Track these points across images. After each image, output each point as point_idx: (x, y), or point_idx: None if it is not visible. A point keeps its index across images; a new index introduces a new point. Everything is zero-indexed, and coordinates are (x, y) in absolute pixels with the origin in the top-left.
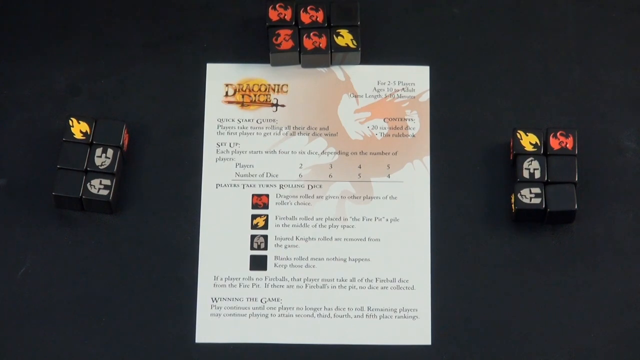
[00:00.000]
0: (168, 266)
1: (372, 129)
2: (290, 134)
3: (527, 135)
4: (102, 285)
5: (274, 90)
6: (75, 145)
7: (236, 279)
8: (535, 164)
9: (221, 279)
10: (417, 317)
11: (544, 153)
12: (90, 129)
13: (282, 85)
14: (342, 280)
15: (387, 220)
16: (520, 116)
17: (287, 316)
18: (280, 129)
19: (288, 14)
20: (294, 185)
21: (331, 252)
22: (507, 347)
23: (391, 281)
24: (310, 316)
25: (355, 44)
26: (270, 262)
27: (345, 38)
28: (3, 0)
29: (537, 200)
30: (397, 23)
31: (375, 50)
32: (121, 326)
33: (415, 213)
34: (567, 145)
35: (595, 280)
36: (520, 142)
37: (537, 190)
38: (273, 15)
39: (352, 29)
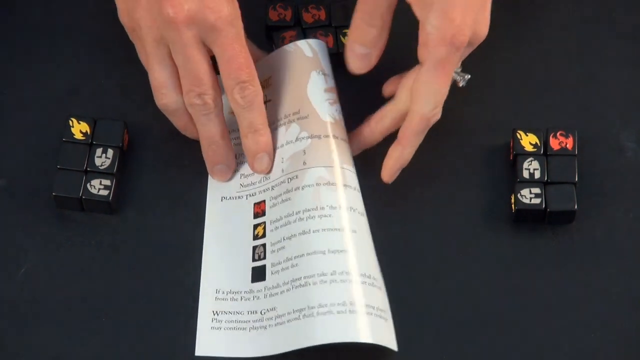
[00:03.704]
0: (168, 266)
1: (339, 113)
2: (274, 129)
3: (527, 135)
4: (102, 285)
5: (263, 87)
6: (75, 145)
7: (237, 292)
8: (535, 164)
9: (223, 292)
10: (387, 319)
11: (544, 153)
12: (90, 129)
13: (268, 79)
14: (323, 274)
15: (358, 212)
16: (520, 116)
17: (281, 324)
18: (269, 125)
19: (288, 14)
20: (279, 183)
21: (310, 246)
22: (507, 347)
23: (368, 277)
24: (297, 319)
25: None
26: (268, 271)
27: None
28: (3, 1)
29: (537, 200)
30: (397, 23)
31: None
32: (121, 326)
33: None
34: (567, 145)
35: (595, 280)
36: (520, 142)
37: (537, 190)
38: (273, 15)
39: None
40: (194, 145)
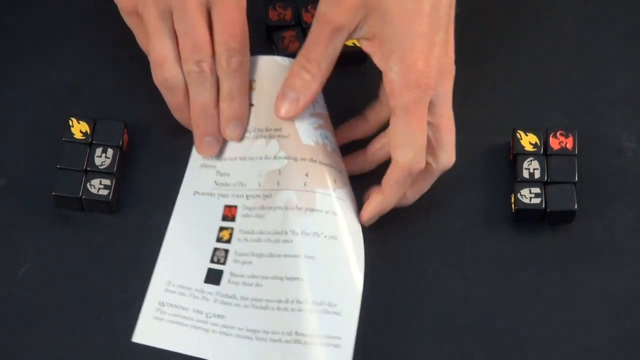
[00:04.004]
0: None
1: (325, 137)
2: (255, 137)
3: (527, 135)
4: (102, 285)
5: (249, 88)
6: (75, 145)
7: (188, 288)
8: (535, 164)
9: (173, 285)
10: (339, 345)
11: (544, 153)
12: (90, 129)
13: (252, 82)
14: (279, 301)
15: (325, 237)
16: (520, 116)
17: (227, 334)
18: (250, 132)
19: (288, 14)
20: (255, 196)
21: (276, 270)
22: (507, 346)
23: (319, 304)
24: (248, 338)
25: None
26: (225, 278)
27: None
28: (3, 0)
29: (537, 200)
30: None
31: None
32: (121, 326)
33: (352, 233)
34: (567, 145)
35: (595, 280)
36: (520, 142)
37: (537, 190)
38: (273, 15)
39: None
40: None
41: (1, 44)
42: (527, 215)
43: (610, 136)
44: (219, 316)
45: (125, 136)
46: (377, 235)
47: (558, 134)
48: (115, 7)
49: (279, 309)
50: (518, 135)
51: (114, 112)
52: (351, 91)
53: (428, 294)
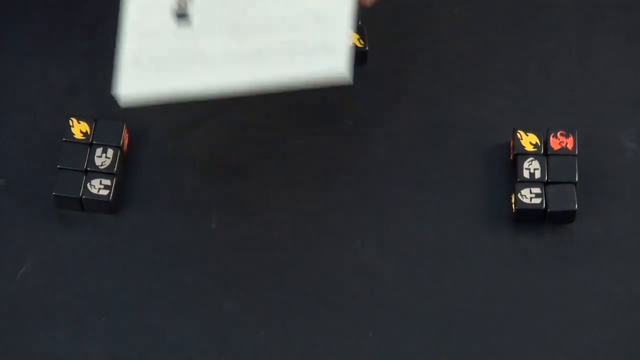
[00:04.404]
0: (168, 266)
1: None
2: None
3: (527, 135)
4: (102, 285)
5: None
6: (75, 145)
7: (160, 31)
8: (536, 164)
9: (145, 30)
10: (333, 50)
11: (544, 153)
12: (90, 129)
13: None
14: (265, 19)
15: None
16: (520, 116)
17: (212, 63)
18: None
19: None
20: None
21: None
22: (507, 347)
23: (306, 12)
24: (235, 61)
25: (363, 43)
26: (195, 10)
27: (352, 38)
28: (3, 1)
29: (537, 200)
30: (397, 23)
31: (375, 49)
32: (121, 326)
33: None
34: (567, 145)
35: (595, 280)
36: (520, 142)
37: (537, 190)
38: None
39: (357, 30)
40: (194, 145)
41: (1, 44)
42: (527, 215)
43: (610, 136)
44: (199, 50)
45: (125, 136)
46: (377, 235)
47: (558, 134)
48: (116, 6)
49: (264, 26)
50: (518, 135)
51: (114, 112)
52: (352, 91)
53: (428, 293)
